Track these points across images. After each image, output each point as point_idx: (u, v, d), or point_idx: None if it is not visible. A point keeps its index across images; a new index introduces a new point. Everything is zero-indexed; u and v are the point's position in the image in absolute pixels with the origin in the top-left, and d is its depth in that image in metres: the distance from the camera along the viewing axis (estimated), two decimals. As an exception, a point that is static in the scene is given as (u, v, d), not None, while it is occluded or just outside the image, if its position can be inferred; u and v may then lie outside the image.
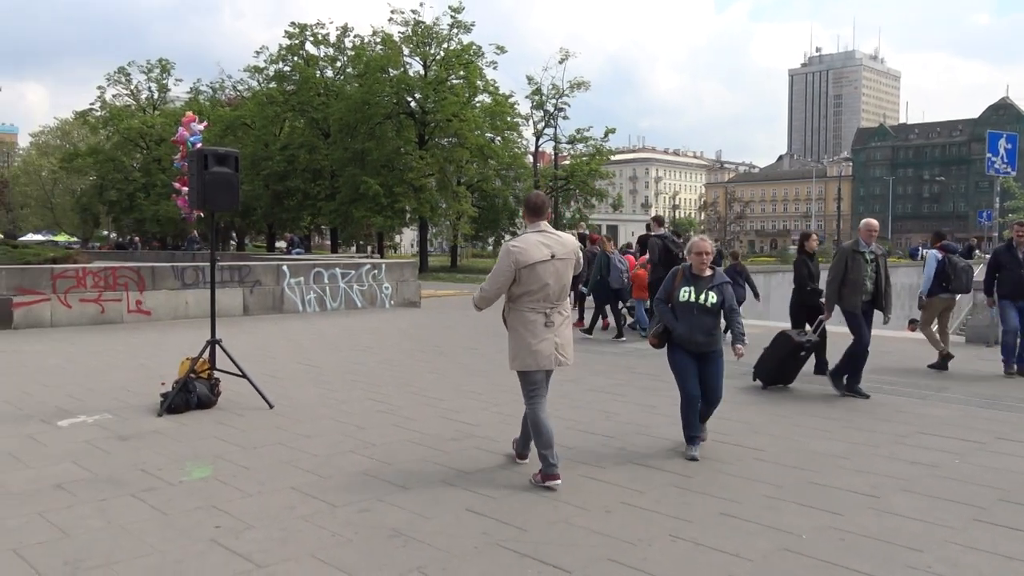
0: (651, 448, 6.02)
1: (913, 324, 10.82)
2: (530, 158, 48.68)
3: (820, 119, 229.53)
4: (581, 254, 5.37)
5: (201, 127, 9.30)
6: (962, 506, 4.74)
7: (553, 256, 5.05)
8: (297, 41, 44.08)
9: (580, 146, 46.51)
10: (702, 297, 5.75)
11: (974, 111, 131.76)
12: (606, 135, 46.16)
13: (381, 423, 6.80)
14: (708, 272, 5.85)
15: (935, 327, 10.35)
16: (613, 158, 56.66)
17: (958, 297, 10.69)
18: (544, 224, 5.22)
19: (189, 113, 9.11)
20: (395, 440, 6.21)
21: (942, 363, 9.96)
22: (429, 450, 5.91)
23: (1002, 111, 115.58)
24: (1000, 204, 13.36)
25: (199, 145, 8.72)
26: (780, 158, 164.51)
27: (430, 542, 4.11)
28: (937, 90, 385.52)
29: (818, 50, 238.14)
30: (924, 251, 11.19)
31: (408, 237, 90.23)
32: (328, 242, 56.31)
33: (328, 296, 17.51)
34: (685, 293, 5.78)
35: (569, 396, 8.00)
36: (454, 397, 7.97)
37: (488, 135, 42.89)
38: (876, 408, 7.59)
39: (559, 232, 5.31)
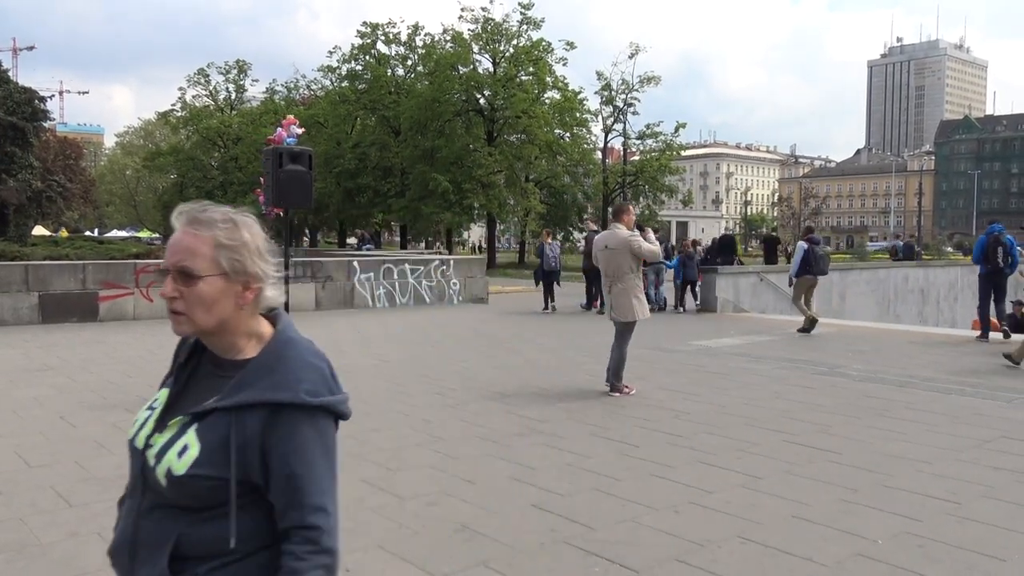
0: (719, 447, 5.92)
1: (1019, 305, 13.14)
2: (599, 154, 48.39)
3: (900, 112, 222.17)
4: (635, 244, 7.69)
5: (300, 131, 9.35)
6: (1050, 515, 4.52)
7: (606, 246, 7.80)
8: (369, 40, 44.85)
9: (649, 142, 46.04)
10: None
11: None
12: (676, 130, 45.65)
13: (448, 417, 6.86)
14: None
15: (803, 301, 13.37)
16: (683, 154, 55.92)
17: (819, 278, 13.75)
18: (615, 224, 7.93)
19: (290, 116, 9.24)
20: (462, 435, 6.26)
21: (809, 327, 12.90)
22: (495, 445, 5.94)
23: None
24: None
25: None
26: (858, 152, 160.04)
27: (496, 537, 4.12)
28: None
29: (899, 40, 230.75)
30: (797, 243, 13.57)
31: (476, 233, 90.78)
32: (398, 238, 57.11)
33: (397, 292, 17.75)
34: None
35: (641, 394, 7.94)
36: (520, 392, 7.98)
37: (557, 131, 42.83)
38: (957, 411, 7.31)
39: (617, 228, 7.89)
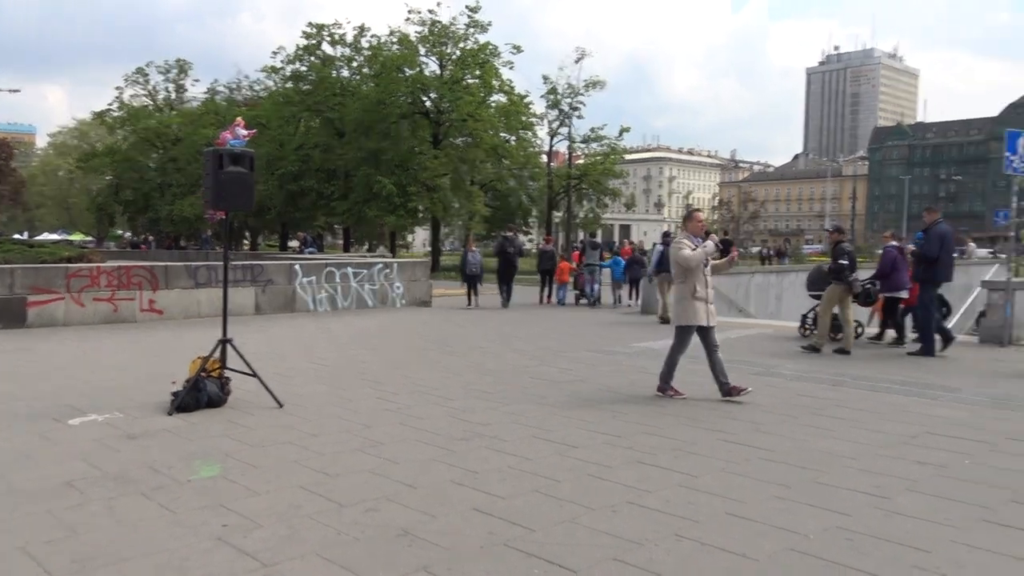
0: (658, 447, 6.01)
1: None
2: (544, 157, 48.66)
3: (837, 118, 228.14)
4: (674, 251, 7.93)
5: (247, 133, 8.95)
6: (971, 507, 4.70)
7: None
8: (314, 41, 44.26)
9: (594, 145, 46.53)
10: None
11: (993, 109, 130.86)
12: (620, 134, 46.16)
13: (389, 421, 6.82)
14: None
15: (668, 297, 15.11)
16: (627, 157, 56.65)
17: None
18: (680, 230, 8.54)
19: (240, 119, 8.95)
20: (403, 439, 6.23)
21: (666, 319, 14.83)
22: (437, 449, 5.93)
23: (1021, 109, 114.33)
24: (1017, 203, 13.22)
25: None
26: (796, 157, 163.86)
27: (436, 541, 4.12)
28: (956, 88, 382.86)
29: (836, 48, 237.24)
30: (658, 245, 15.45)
31: (420, 236, 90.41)
32: (341, 241, 56.55)
33: (340, 295, 17.58)
34: None
35: (582, 395, 8.01)
36: (463, 397, 7.98)
37: (503, 135, 42.92)
38: (883, 408, 7.55)
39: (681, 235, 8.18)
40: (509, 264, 20.09)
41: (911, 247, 12.19)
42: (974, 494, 4.95)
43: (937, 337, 11.28)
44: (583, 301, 20.78)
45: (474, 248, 20.61)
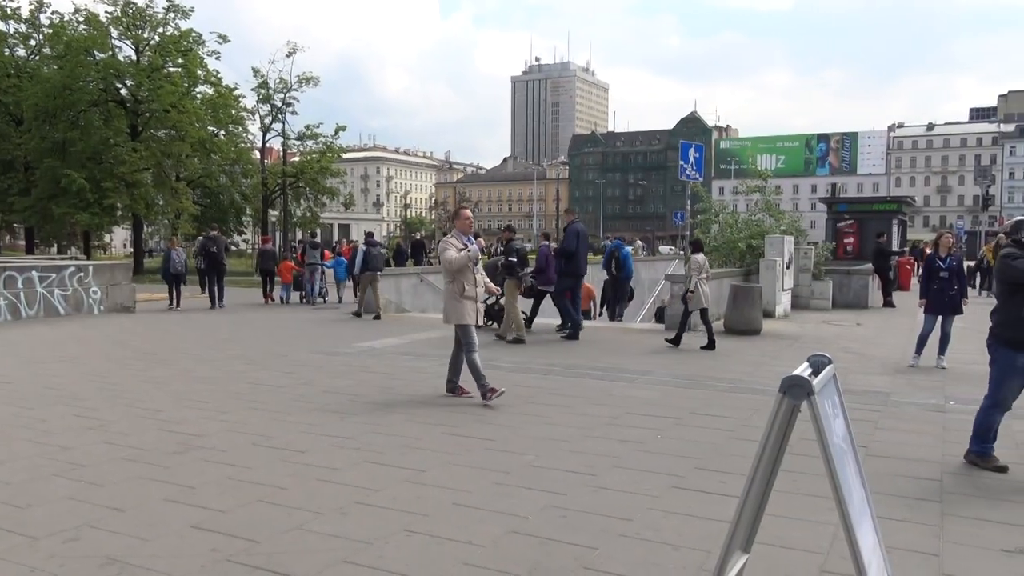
0: (385, 445, 6.07)
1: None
2: (257, 154, 46.67)
3: (540, 124, 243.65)
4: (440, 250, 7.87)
5: None
6: (664, 476, 5.30)
7: None
8: (-21, 13, 38.61)
9: (310, 143, 45.30)
10: None
11: (669, 123, 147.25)
12: (337, 132, 45.43)
13: (90, 441, 6.19)
14: None
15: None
16: (344, 156, 55.97)
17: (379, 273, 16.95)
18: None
19: None
20: (107, 458, 5.70)
21: (361, 312, 16.50)
22: (147, 466, 5.49)
23: (691, 123, 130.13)
24: (691, 206, 15.12)
25: None
26: (505, 160, 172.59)
27: (150, 566, 3.82)
28: (639, 102, 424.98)
29: (537, 59, 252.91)
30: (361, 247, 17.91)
31: (120, 236, 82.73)
32: (23, 242, 50.01)
33: (23, 303, 15.60)
34: None
35: (306, 398, 7.84)
36: (174, 407, 7.46)
37: (211, 128, 40.57)
38: (590, 393, 8.25)
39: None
40: (216, 264, 19.80)
41: (553, 245, 13.99)
42: (667, 465, 5.58)
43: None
44: (316, 300, 21.06)
45: (178, 247, 20.50)
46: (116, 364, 10.24)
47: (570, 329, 13.03)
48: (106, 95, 37.11)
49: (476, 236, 8.07)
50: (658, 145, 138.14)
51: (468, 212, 8.23)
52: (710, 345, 11.60)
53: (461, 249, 7.70)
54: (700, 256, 12.29)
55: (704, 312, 11.86)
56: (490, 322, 14.58)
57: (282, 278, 21.59)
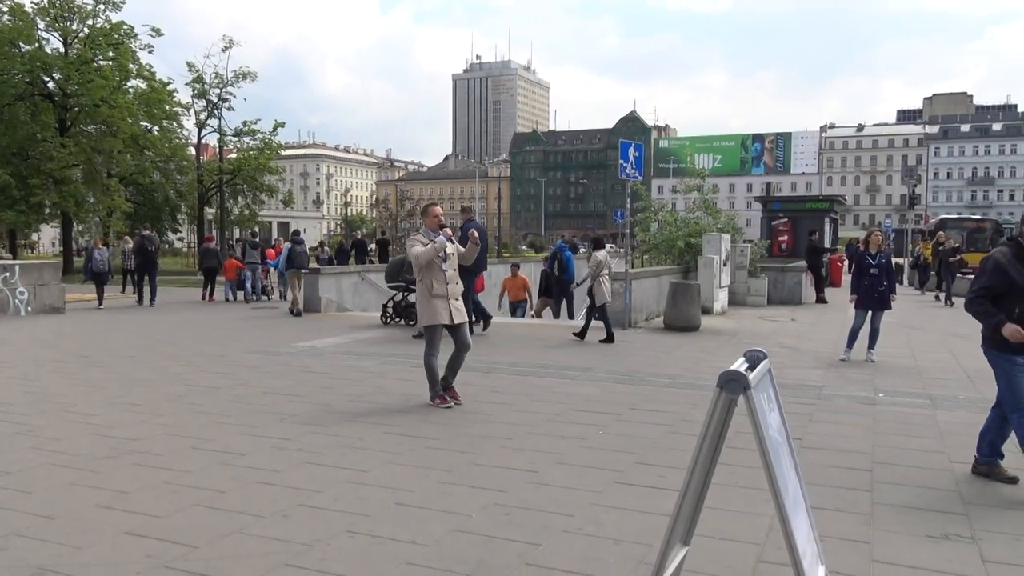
0: (326, 446, 6.00)
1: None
2: (192, 150, 45.62)
3: (482, 122, 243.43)
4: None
5: None
6: (605, 472, 5.36)
7: None
8: None
9: (247, 139, 44.47)
10: None
11: (609, 122, 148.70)
12: (275, 129, 44.79)
13: (16, 447, 5.98)
14: None
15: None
16: (283, 153, 55.08)
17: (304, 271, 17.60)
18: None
19: None
20: (35, 465, 5.51)
21: (298, 312, 16.73)
22: (79, 472, 5.33)
23: (631, 123, 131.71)
24: (631, 204, 15.29)
25: None
26: (446, 158, 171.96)
27: (82, 575, 3.72)
28: (579, 101, 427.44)
29: (478, 58, 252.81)
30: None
31: (48, 235, 79.96)
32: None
33: (-57, 305, 14.94)
34: None
35: (245, 400, 7.70)
36: (107, 411, 7.26)
37: (144, 124, 39.55)
38: (532, 390, 8.29)
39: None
40: (149, 262, 19.85)
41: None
42: (608, 460, 5.64)
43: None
44: (253, 299, 21.24)
45: (101, 246, 20.50)
46: (45, 367, 9.91)
47: (484, 323, 13.34)
48: (32, 88, 35.89)
49: (442, 227, 7.61)
50: (598, 144, 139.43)
51: (438, 209, 7.84)
52: (609, 339, 12.08)
53: (427, 244, 7.40)
54: (600, 253, 12.87)
55: (603, 307, 12.27)
56: (399, 319, 14.58)
57: (227, 276, 21.65)
